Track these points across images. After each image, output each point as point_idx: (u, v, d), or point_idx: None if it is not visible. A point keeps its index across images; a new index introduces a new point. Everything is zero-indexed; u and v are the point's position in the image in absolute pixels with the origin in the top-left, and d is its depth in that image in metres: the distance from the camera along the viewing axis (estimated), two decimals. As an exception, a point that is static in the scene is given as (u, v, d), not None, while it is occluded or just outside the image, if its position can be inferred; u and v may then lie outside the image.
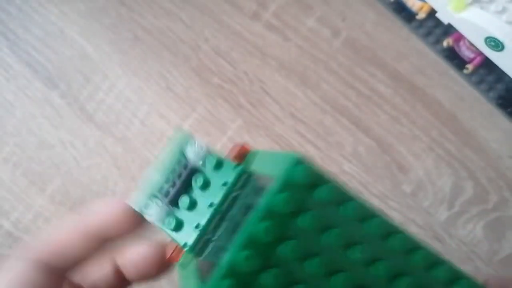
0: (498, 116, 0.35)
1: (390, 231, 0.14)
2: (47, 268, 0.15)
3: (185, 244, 0.16)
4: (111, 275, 0.17)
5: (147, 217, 0.16)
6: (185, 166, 0.17)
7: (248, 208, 0.14)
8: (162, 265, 0.17)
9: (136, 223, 0.16)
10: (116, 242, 0.17)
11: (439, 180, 0.34)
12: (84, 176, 0.36)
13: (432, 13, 0.34)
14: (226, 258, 0.13)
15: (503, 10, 0.30)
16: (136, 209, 0.16)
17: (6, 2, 0.38)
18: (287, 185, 0.13)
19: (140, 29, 0.37)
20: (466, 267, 0.34)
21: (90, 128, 0.36)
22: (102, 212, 0.16)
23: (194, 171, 0.17)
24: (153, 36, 0.37)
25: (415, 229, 0.34)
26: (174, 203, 0.17)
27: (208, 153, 0.17)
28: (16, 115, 0.37)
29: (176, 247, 0.17)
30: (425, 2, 0.34)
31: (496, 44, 0.30)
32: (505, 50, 0.30)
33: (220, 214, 0.16)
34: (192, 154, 0.17)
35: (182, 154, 0.17)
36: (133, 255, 0.17)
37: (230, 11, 0.37)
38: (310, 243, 0.13)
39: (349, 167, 0.35)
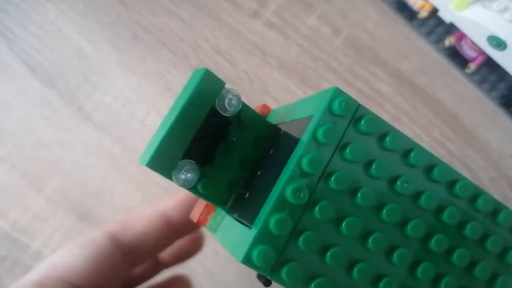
0: (500, 115, 0.34)
1: (432, 163, 0.14)
2: (115, 240, 0.16)
3: (217, 204, 0.15)
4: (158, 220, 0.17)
5: (174, 180, 0.14)
6: (215, 117, 0.15)
7: (280, 160, 0.14)
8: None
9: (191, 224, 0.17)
10: (186, 232, 0.17)
11: (441, 180, 0.34)
12: (82, 176, 0.35)
13: (434, 11, 0.34)
14: (273, 194, 0.12)
15: (506, 9, 0.30)
16: (159, 171, 0.14)
17: (4, 1, 0.37)
18: (330, 115, 0.13)
19: (140, 28, 0.37)
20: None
21: (88, 128, 0.36)
22: (166, 200, 0.17)
23: (224, 123, 0.15)
24: (152, 35, 0.36)
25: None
26: (202, 159, 0.15)
27: (241, 104, 0.15)
28: (14, 115, 0.36)
29: (204, 211, 0.16)
30: (427, 0, 0.33)
31: (499, 43, 0.30)
32: (507, 49, 0.30)
33: (251, 169, 0.15)
34: (225, 104, 0.15)
35: (212, 102, 0.15)
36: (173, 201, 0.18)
37: (230, 10, 0.36)
38: (355, 176, 0.13)
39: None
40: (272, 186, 0.13)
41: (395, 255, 0.13)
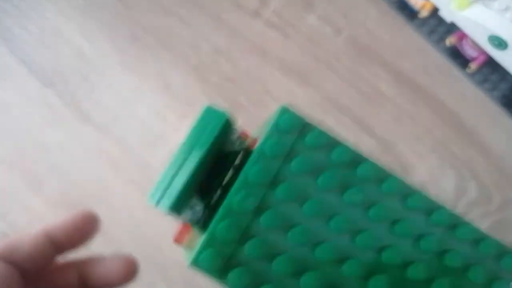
0: (502, 115, 0.35)
1: (382, 176, 0.14)
2: (6, 261, 0.16)
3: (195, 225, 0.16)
4: (76, 285, 0.17)
5: (180, 218, 0.15)
6: (221, 153, 0.15)
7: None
8: (131, 275, 0.17)
9: (91, 230, 0.17)
10: (72, 248, 0.17)
11: (442, 181, 0.34)
12: (81, 177, 0.35)
13: (434, 11, 0.34)
14: (223, 203, 0.13)
15: (507, 8, 0.29)
16: (165, 211, 0.14)
17: (3, 0, 0.37)
18: (276, 131, 0.14)
19: (139, 27, 0.37)
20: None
21: (87, 128, 0.36)
22: (59, 219, 0.17)
23: (226, 157, 0.15)
24: (151, 34, 0.36)
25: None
26: (206, 193, 0.15)
27: (242, 138, 0.16)
28: (13, 115, 0.36)
29: (181, 230, 0.16)
30: (428, 0, 0.33)
31: (500, 43, 0.30)
32: (508, 48, 0.30)
33: (223, 187, 0.16)
34: (232, 141, 0.15)
35: (219, 139, 0.15)
36: (103, 269, 0.17)
37: (230, 9, 0.36)
38: (303, 187, 0.14)
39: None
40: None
41: (345, 265, 0.13)
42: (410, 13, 0.35)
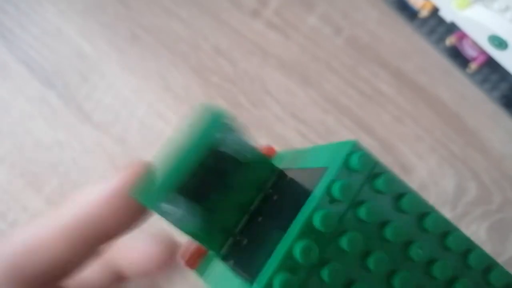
0: (502, 115, 0.35)
1: (447, 229, 0.13)
2: (21, 276, 0.12)
3: (210, 247, 0.14)
4: (109, 280, 0.15)
5: (164, 217, 0.13)
6: (216, 154, 0.14)
7: (286, 209, 0.13)
8: (166, 263, 0.15)
9: (137, 216, 0.13)
10: (112, 240, 0.14)
11: (442, 181, 0.34)
12: (82, 176, 0.35)
13: (435, 11, 0.34)
14: (280, 249, 0.11)
15: (507, 8, 0.29)
16: (149, 206, 0.13)
17: (3, 1, 0.37)
18: (346, 171, 0.12)
19: (139, 27, 0.37)
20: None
21: (87, 128, 0.36)
22: (90, 203, 0.12)
23: (225, 161, 0.14)
24: (151, 34, 0.36)
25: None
26: (198, 198, 0.14)
27: (245, 142, 0.14)
28: (13, 115, 0.36)
29: (194, 253, 0.15)
30: (428, 0, 0.33)
31: (500, 43, 0.30)
32: (508, 48, 0.30)
33: (250, 214, 0.14)
34: (228, 141, 0.14)
35: (213, 139, 0.14)
36: (135, 255, 0.14)
37: (230, 9, 0.36)
38: (369, 237, 0.12)
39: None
40: (276, 238, 0.12)
41: None
42: (410, 13, 0.35)
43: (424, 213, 0.13)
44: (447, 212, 0.34)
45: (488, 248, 0.33)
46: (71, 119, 0.36)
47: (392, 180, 0.13)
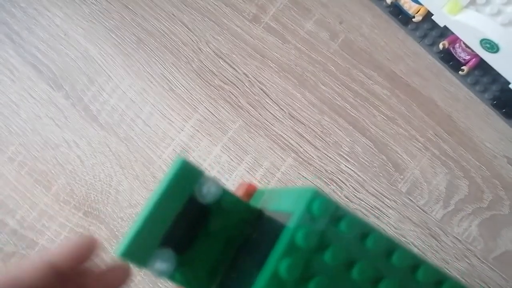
0: (493, 116, 0.35)
1: (415, 263, 0.13)
2: None
3: None
4: (47, 275, 0.16)
5: (151, 270, 0.14)
6: (194, 205, 0.14)
7: (264, 246, 0.13)
8: (127, 282, 0.16)
9: (89, 253, 0.16)
10: (72, 273, 0.16)
11: (435, 179, 0.35)
12: (88, 175, 0.36)
13: (428, 15, 0.34)
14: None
15: (498, 13, 0.30)
16: (134, 262, 0.14)
17: (11, 5, 0.38)
18: (308, 218, 0.12)
19: (143, 32, 0.37)
20: (461, 265, 0.34)
21: (94, 128, 0.36)
22: (23, 270, 0.16)
23: (203, 210, 0.15)
24: (155, 38, 0.37)
25: (411, 227, 0.34)
26: (180, 247, 0.14)
27: (221, 191, 0.15)
28: (21, 116, 0.37)
29: None
30: (422, 5, 0.34)
31: (491, 46, 0.30)
32: (500, 51, 0.30)
33: (232, 255, 0.15)
34: (204, 192, 0.15)
35: (190, 191, 0.14)
36: (103, 280, 0.16)
37: (231, 15, 0.37)
38: (337, 279, 0.12)
39: (346, 166, 0.35)
40: (256, 274, 0.12)
41: None
42: (404, 18, 0.35)
43: (390, 250, 0.13)
44: (439, 210, 0.34)
45: (480, 244, 0.34)
46: (78, 120, 0.36)
47: (354, 221, 0.13)
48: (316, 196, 0.13)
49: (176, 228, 0.14)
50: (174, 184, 0.14)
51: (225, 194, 0.15)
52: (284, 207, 0.14)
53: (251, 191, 0.18)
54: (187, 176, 0.14)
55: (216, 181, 0.15)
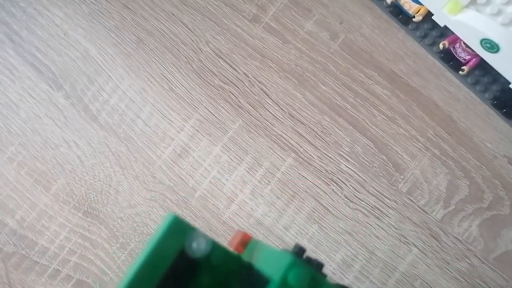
0: (493, 116, 0.35)
1: None
2: None
3: None
4: None
5: None
6: (184, 259, 0.15)
7: None
8: None
9: None
10: None
11: (435, 179, 0.35)
12: (88, 175, 0.36)
13: (428, 15, 0.34)
14: None
15: (499, 12, 0.30)
16: None
17: (10, 5, 0.38)
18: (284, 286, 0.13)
19: (143, 31, 0.37)
20: (461, 265, 0.34)
21: (94, 128, 0.36)
22: None
23: (192, 264, 0.15)
24: (155, 38, 0.37)
25: (412, 227, 0.34)
26: None
27: (211, 246, 0.15)
28: (21, 116, 0.37)
29: None
30: (422, 5, 0.34)
31: (492, 46, 0.30)
32: (500, 51, 0.30)
33: None
34: (194, 247, 0.15)
35: (181, 246, 0.15)
36: None
37: (231, 14, 0.37)
38: None
39: (347, 166, 0.35)
40: None
41: None
42: (405, 18, 0.35)
43: None
44: (440, 210, 0.34)
45: (480, 244, 0.34)
46: (77, 120, 0.37)
47: None
48: (293, 265, 0.13)
49: (166, 282, 0.14)
50: (165, 239, 0.14)
51: (215, 249, 0.15)
52: (265, 269, 0.15)
53: (246, 240, 0.18)
54: (177, 231, 0.15)
55: (207, 236, 0.15)
